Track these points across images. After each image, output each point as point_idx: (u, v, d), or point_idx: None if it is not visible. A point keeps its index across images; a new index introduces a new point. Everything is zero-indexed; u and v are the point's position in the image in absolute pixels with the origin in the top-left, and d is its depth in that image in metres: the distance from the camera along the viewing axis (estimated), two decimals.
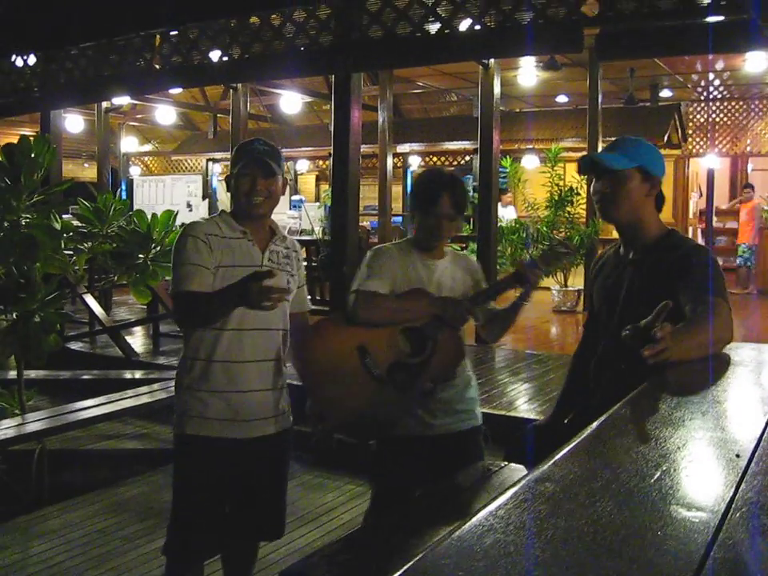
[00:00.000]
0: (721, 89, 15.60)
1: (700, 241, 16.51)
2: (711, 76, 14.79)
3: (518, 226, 12.29)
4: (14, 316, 5.66)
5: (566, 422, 3.07)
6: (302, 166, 19.04)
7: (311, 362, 3.20)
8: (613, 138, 3.20)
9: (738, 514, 1.18)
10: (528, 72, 13.20)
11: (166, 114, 16.74)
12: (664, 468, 1.39)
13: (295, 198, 17.20)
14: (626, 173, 2.74)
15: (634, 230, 2.80)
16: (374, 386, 3.13)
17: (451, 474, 3.26)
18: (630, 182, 2.74)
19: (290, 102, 14.43)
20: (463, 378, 3.37)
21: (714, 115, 15.83)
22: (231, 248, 3.09)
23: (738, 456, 1.45)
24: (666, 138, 13.93)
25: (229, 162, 3.34)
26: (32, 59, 9.75)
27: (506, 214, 14.04)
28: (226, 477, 3.14)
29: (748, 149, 15.57)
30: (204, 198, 17.71)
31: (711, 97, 15.78)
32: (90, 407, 5.82)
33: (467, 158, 16.52)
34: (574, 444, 1.52)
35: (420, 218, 3.31)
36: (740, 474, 1.35)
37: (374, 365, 3.13)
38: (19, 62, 9.85)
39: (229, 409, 3.07)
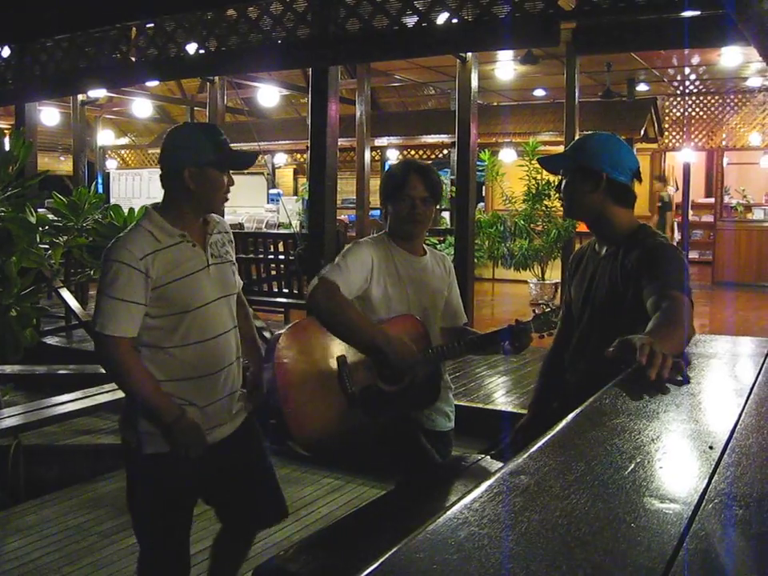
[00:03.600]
0: (697, 83, 15.68)
1: (676, 234, 16.66)
2: (687, 70, 14.87)
3: (495, 219, 12.32)
4: None
5: (554, 406, 3.07)
6: (280, 159, 18.97)
7: (288, 359, 2.99)
8: (590, 132, 3.21)
9: (710, 506, 1.19)
10: (505, 66, 13.23)
11: (142, 107, 16.64)
12: (638, 460, 1.40)
13: (273, 191, 17.16)
14: (568, 173, 2.81)
15: (599, 226, 2.83)
16: (342, 403, 2.98)
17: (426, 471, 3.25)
18: (570, 181, 2.81)
19: (268, 95, 14.39)
20: (444, 380, 3.36)
21: (689, 109, 15.91)
22: (172, 258, 2.80)
23: (711, 448, 1.47)
24: (642, 132, 13.98)
25: (167, 155, 3.00)
26: (6, 51, 9.66)
27: None
28: (194, 486, 2.96)
29: (723, 143, 15.66)
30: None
31: (687, 91, 15.86)
32: (67, 402, 5.79)
33: (445, 151, 16.50)
34: (548, 437, 1.53)
35: (392, 206, 3.23)
36: (713, 466, 1.36)
37: (350, 381, 2.99)
38: None
39: (201, 438, 2.86)
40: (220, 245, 2.99)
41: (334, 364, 3.00)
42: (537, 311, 3.21)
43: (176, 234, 2.82)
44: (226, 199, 2.91)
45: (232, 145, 2.94)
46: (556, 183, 3.03)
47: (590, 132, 3.03)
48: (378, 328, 3.03)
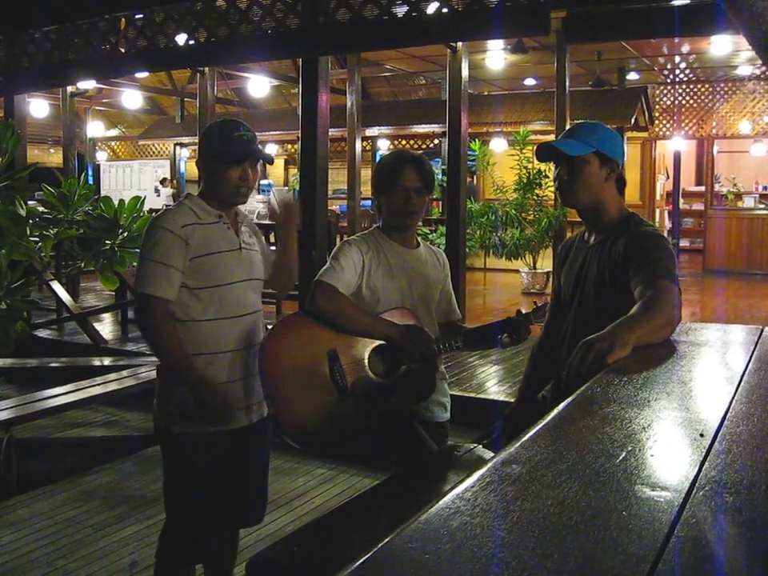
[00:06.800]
0: (687, 72, 15.67)
1: (667, 222, 16.68)
2: (677, 59, 14.85)
3: (486, 208, 12.33)
4: None
5: (540, 396, 3.07)
6: (270, 149, 18.94)
7: (278, 353, 2.98)
8: (581, 121, 3.19)
9: (701, 493, 1.19)
10: (496, 55, 13.19)
11: (132, 99, 16.56)
12: (629, 448, 1.40)
13: (264, 182, 17.11)
14: (583, 158, 2.76)
15: (595, 214, 2.82)
16: (334, 397, 2.95)
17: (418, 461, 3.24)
18: (588, 168, 2.76)
19: (258, 85, 14.33)
20: (440, 371, 3.33)
21: (680, 98, 15.91)
22: (210, 234, 3.00)
23: (702, 435, 1.47)
24: (633, 120, 13.99)
25: (197, 146, 3.24)
26: None
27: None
28: (222, 470, 3.07)
29: (714, 131, 15.67)
30: (163, 183, 17.36)
31: (677, 80, 15.85)
32: (59, 395, 5.78)
33: (436, 141, 16.50)
34: (540, 426, 1.53)
35: (386, 197, 3.23)
36: (704, 454, 1.37)
37: (341, 374, 2.96)
38: None
39: (225, 400, 3.00)
40: (248, 235, 3.20)
41: (325, 357, 2.97)
42: (537, 303, 3.20)
43: (214, 213, 3.05)
44: (241, 192, 3.07)
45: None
46: (549, 171, 2.97)
47: (581, 120, 3.01)
48: (387, 321, 3.06)
